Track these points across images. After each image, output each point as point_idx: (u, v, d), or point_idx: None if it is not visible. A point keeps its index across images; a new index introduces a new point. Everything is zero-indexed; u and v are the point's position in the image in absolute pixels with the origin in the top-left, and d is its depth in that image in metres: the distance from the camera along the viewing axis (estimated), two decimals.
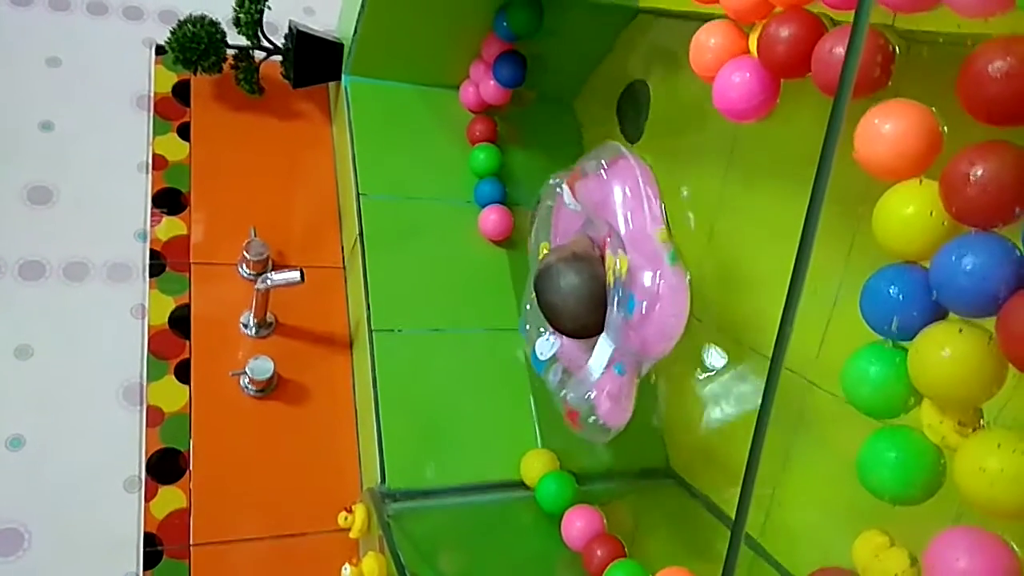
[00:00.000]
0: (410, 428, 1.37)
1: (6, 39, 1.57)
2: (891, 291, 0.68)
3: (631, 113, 1.61)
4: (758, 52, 0.81)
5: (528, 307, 1.38)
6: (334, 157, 1.70)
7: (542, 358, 1.25)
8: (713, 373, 1.29)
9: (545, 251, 1.33)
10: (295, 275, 1.34)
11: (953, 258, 0.62)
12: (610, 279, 1.02)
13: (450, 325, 1.48)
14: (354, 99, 1.63)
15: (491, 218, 1.59)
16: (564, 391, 1.19)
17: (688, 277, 0.98)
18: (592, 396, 1.10)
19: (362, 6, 1.48)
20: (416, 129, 1.67)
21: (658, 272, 0.97)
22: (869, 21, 0.56)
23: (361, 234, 1.49)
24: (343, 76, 1.64)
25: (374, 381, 1.37)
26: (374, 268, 1.47)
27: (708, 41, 0.88)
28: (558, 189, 1.23)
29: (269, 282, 1.35)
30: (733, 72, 0.85)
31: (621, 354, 1.03)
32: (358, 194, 1.53)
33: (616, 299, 1.00)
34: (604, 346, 1.04)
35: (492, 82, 1.58)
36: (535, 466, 1.35)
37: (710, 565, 1.04)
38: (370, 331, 1.41)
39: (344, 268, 1.59)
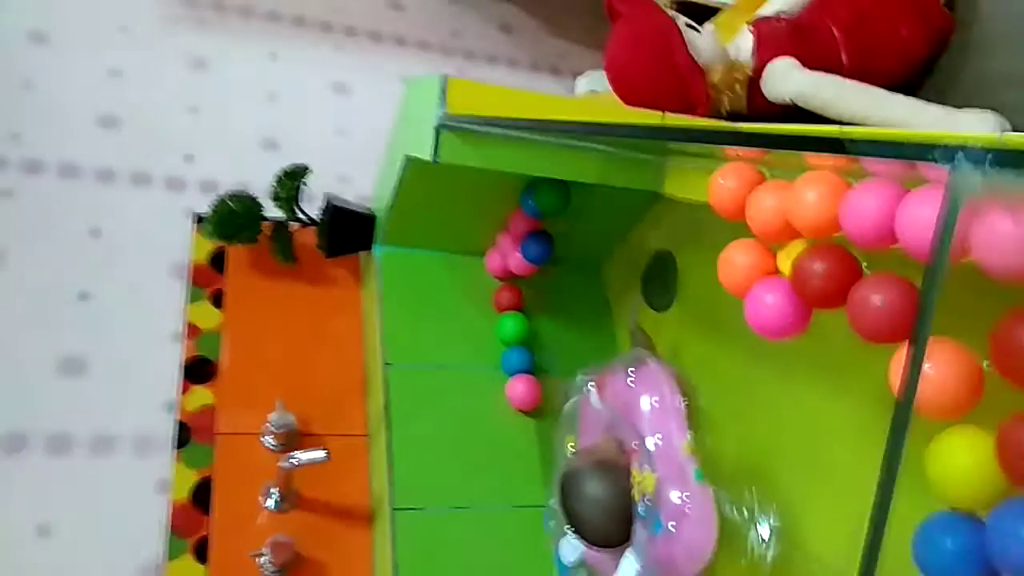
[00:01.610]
0: None
1: (52, 210, 1.64)
2: (947, 544, 0.66)
3: (658, 284, 1.64)
4: (792, 282, 0.82)
5: (553, 504, 1.36)
6: (362, 322, 1.73)
7: (566, 562, 1.22)
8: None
9: (571, 445, 1.32)
10: (321, 455, 1.33)
11: (1010, 523, 0.61)
12: (636, 495, 1.00)
13: (475, 502, 1.46)
14: (385, 268, 1.67)
15: (519, 388, 1.59)
16: None
17: (712, 494, 0.97)
18: None
19: (399, 183, 1.54)
20: (443, 296, 1.69)
21: (686, 493, 0.96)
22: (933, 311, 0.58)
23: (387, 405, 1.49)
24: (375, 246, 1.69)
25: (395, 566, 1.34)
26: (399, 441, 1.46)
27: (736, 260, 0.90)
28: (586, 388, 1.24)
29: (295, 461, 1.34)
30: (766, 294, 0.86)
31: (648, 573, 1.00)
32: (384, 363, 1.55)
33: (642, 517, 0.99)
34: (630, 563, 1.01)
35: (518, 255, 1.62)
36: None
37: None
38: (392, 510, 1.39)
39: (368, 436, 1.58)
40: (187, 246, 1.68)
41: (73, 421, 1.43)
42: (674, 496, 0.97)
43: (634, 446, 1.04)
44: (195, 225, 1.70)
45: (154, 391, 1.50)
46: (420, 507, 1.41)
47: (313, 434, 1.53)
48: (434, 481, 1.45)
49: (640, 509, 0.99)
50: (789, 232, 0.87)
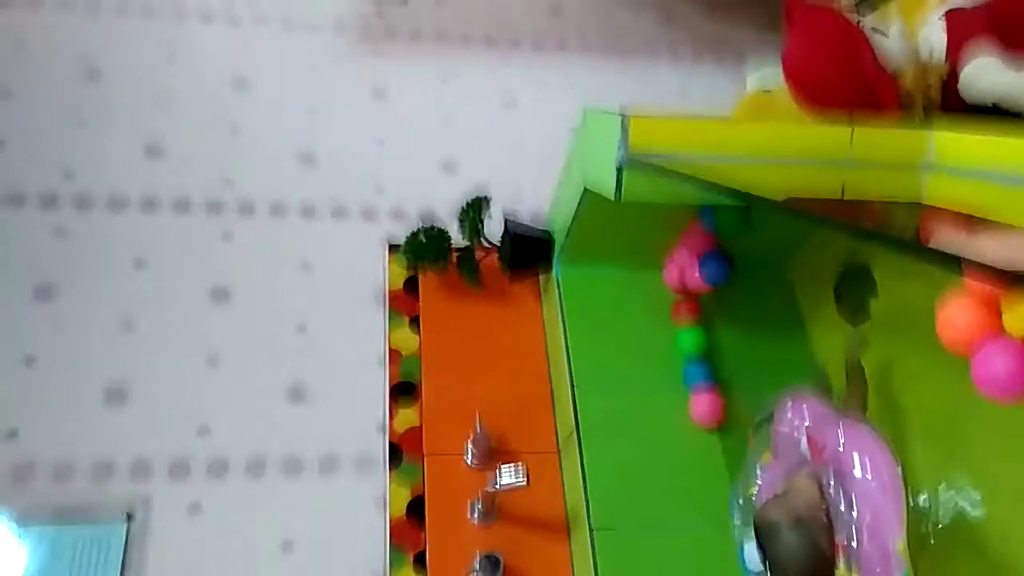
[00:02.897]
0: None
1: (267, 247, 1.82)
2: None
3: (852, 297, 1.59)
4: None
5: (740, 503, 1.38)
6: (545, 337, 1.80)
7: (751, 568, 1.25)
8: None
9: (767, 460, 1.34)
10: (521, 481, 1.43)
11: None
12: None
13: (667, 519, 1.51)
14: (565, 287, 1.73)
15: (701, 402, 1.62)
16: None
17: None
18: None
19: (577, 212, 1.59)
20: (622, 312, 1.74)
21: None
22: None
23: (577, 427, 1.57)
24: (554, 267, 1.75)
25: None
26: (591, 461, 1.54)
27: (958, 319, 0.89)
28: (796, 434, 1.24)
29: (498, 486, 1.45)
30: (996, 356, 0.84)
31: None
32: (572, 386, 1.62)
33: None
34: None
35: (696, 276, 1.63)
36: None
37: None
38: (591, 530, 1.47)
39: (559, 453, 1.67)
40: (383, 274, 1.82)
41: (302, 444, 1.61)
42: None
43: (842, 541, 1.04)
44: (389, 254, 1.84)
45: (367, 414, 1.66)
46: (614, 527, 1.48)
47: (509, 451, 1.63)
48: (627, 500, 1.51)
49: None
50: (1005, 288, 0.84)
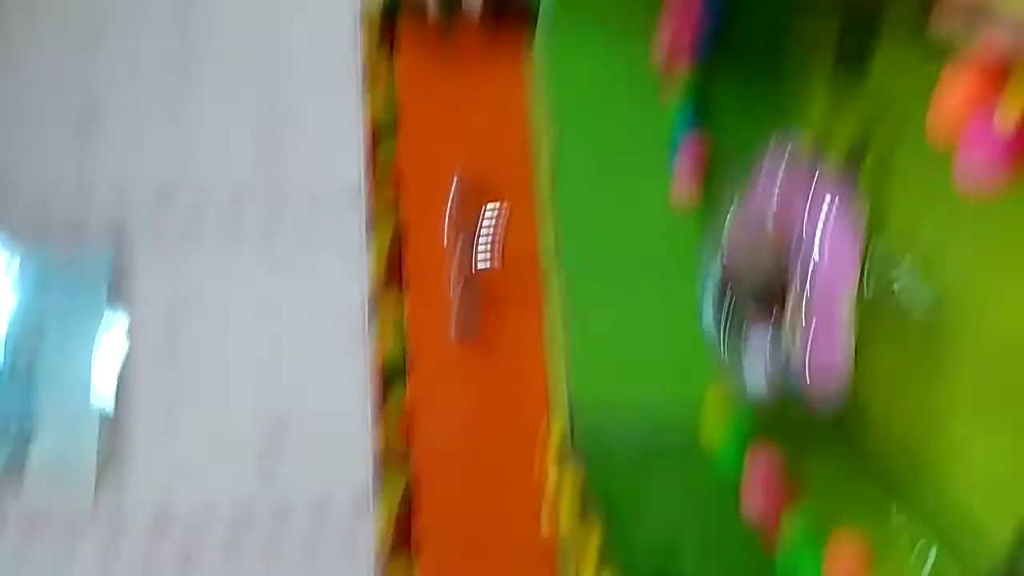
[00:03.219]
0: (597, 377, 1.48)
1: None
2: None
3: (851, 58, 1.50)
4: None
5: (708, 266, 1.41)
6: (527, 104, 1.73)
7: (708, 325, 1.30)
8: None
9: (738, 220, 1.34)
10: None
11: None
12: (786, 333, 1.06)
13: (639, 279, 1.55)
14: (549, 55, 1.62)
15: (687, 153, 1.58)
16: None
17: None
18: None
19: None
20: (608, 83, 1.63)
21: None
22: None
23: (554, 186, 1.55)
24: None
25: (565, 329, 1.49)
26: (565, 211, 1.54)
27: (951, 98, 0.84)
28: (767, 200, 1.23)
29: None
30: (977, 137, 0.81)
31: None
32: (551, 146, 1.58)
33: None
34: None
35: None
36: (713, 425, 1.43)
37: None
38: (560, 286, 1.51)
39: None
40: None
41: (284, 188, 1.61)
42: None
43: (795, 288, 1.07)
44: None
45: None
46: (583, 281, 1.51)
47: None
48: (597, 257, 1.54)
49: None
50: None
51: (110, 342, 1.56)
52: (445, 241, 1.58)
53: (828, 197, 1.12)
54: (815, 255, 1.07)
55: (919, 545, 1.02)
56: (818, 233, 1.13)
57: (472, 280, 1.60)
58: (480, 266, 1.48)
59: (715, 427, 1.41)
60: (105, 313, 1.57)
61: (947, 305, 1.05)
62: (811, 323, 1.08)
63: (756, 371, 1.18)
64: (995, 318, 0.97)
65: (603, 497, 1.31)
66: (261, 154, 1.63)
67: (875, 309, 1.12)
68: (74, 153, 1.56)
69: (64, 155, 1.56)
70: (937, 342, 1.09)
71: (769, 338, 1.17)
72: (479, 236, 1.47)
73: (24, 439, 1.50)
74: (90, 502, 1.51)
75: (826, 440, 1.34)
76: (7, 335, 1.52)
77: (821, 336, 1.08)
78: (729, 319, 1.24)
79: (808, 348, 1.09)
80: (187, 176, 1.58)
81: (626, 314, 1.52)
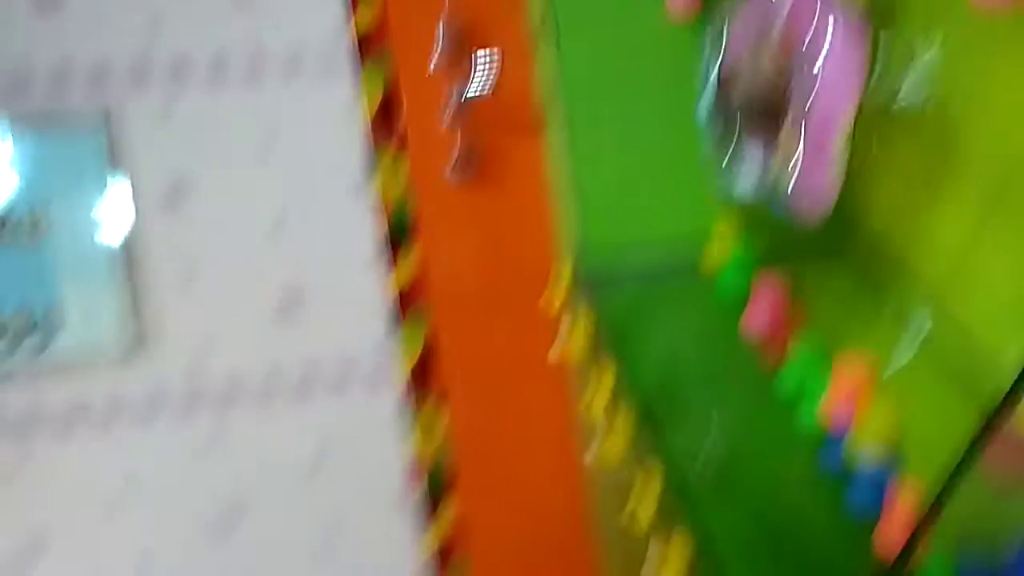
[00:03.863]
0: (602, 208, 1.49)
1: None
2: None
3: None
4: None
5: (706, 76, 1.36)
6: None
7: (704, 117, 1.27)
8: None
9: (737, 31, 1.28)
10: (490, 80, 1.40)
11: None
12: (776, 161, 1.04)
13: (636, 111, 1.51)
14: None
15: None
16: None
17: None
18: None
19: None
20: None
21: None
22: None
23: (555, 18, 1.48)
24: None
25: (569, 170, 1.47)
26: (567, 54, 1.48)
27: None
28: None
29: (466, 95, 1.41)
30: None
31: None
32: None
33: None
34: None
35: None
36: (718, 246, 1.45)
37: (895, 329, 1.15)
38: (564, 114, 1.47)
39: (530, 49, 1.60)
40: None
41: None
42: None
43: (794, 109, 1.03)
44: None
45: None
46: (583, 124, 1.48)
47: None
48: (599, 94, 1.50)
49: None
50: None
51: (117, 213, 1.57)
52: (438, 88, 1.53)
53: (836, 12, 1.08)
54: (817, 70, 1.04)
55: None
56: (824, 47, 1.09)
57: (467, 118, 1.56)
58: (474, 95, 1.44)
59: (720, 255, 1.43)
60: (108, 183, 1.56)
61: (952, 122, 1.04)
62: (804, 145, 1.07)
63: (746, 177, 1.18)
64: (1000, 136, 0.96)
65: (610, 325, 1.36)
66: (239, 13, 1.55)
67: (879, 121, 1.11)
68: (47, 34, 1.48)
69: (35, 35, 1.48)
70: (941, 161, 1.08)
71: (762, 150, 1.17)
72: (472, 80, 1.42)
73: (51, 326, 1.54)
74: (124, 377, 1.58)
75: (830, 266, 1.37)
76: (15, 217, 1.53)
77: (812, 161, 1.08)
78: (726, 120, 1.22)
79: (798, 172, 1.09)
80: (165, 43, 1.52)
81: (628, 147, 1.50)
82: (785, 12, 1.18)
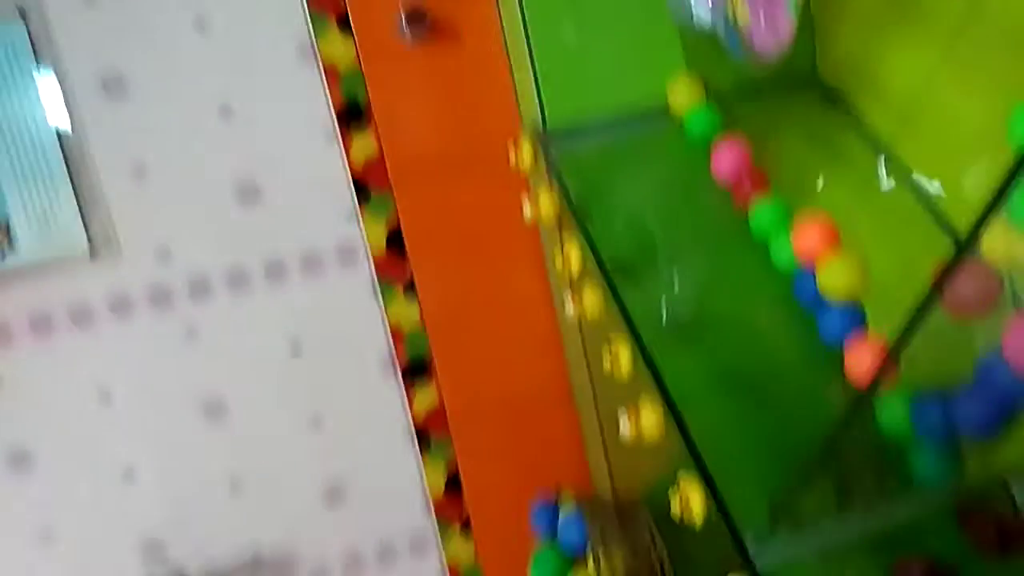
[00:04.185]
0: (561, 65, 1.44)
1: None
2: None
3: None
4: None
5: None
6: None
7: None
8: None
9: None
10: None
11: None
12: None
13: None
14: None
15: None
16: None
17: None
18: None
19: None
20: None
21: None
22: None
23: None
24: None
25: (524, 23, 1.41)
26: None
27: None
28: None
29: None
30: None
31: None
32: None
33: None
34: None
35: None
36: (681, 95, 1.42)
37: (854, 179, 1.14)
38: None
39: None
40: None
41: None
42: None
43: None
44: None
45: None
46: None
47: None
48: None
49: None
50: None
51: (52, 111, 1.49)
52: None
53: None
54: None
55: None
56: None
57: None
58: None
59: (686, 98, 1.40)
60: (37, 78, 1.47)
61: None
62: None
63: (702, 15, 1.16)
64: None
65: (578, 178, 1.35)
66: None
67: None
68: None
69: None
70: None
71: None
72: None
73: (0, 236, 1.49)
74: (85, 283, 1.54)
75: (794, 125, 1.36)
76: None
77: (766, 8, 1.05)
78: None
79: (753, 10, 1.06)
80: None
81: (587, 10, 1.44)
82: None
